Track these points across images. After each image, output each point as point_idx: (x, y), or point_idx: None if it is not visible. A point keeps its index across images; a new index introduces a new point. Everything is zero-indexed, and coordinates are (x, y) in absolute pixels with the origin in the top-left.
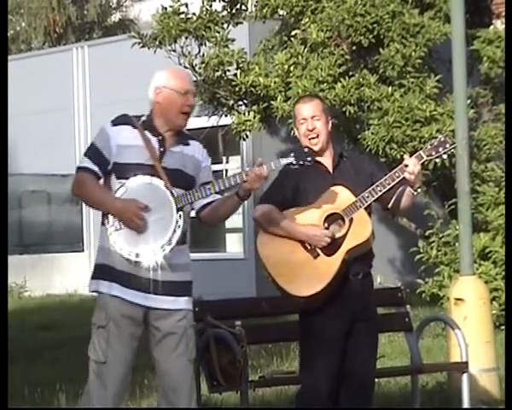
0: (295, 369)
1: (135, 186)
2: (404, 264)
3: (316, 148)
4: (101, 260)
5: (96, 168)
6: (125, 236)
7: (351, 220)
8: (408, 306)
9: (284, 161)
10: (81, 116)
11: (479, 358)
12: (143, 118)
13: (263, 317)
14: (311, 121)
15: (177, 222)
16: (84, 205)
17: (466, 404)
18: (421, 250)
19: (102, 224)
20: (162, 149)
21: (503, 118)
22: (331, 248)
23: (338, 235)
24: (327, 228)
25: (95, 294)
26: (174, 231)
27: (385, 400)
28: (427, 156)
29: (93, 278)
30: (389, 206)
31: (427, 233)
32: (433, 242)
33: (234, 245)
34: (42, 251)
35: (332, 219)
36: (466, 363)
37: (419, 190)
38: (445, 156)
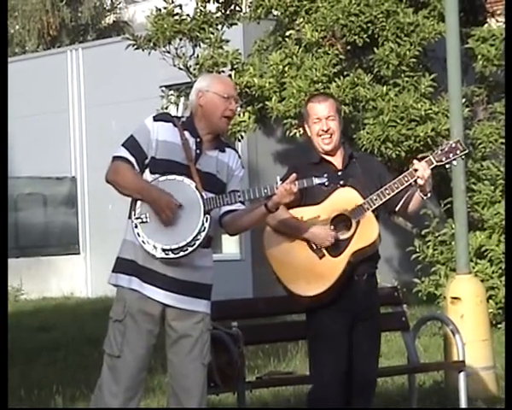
0: (292, 369)
1: (167, 183)
2: (400, 263)
3: (328, 147)
4: (124, 253)
5: (132, 159)
6: (151, 229)
7: (358, 222)
8: (405, 305)
9: (317, 181)
10: (76, 118)
11: (475, 356)
12: (183, 119)
13: (260, 317)
14: (325, 121)
15: (202, 224)
16: (80, 208)
17: (463, 402)
18: (418, 249)
19: (129, 217)
20: (198, 152)
21: (499, 116)
22: (337, 249)
23: (344, 237)
24: (333, 229)
25: (91, 296)
26: (199, 232)
27: (382, 399)
28: (437, 162)
29: (114, 271)
30: (396, 209)
31: (423, 232)
32: (430, 241)
33: (230, 246)
34: (38, 254)
35: (339, 220)
36: (463, 362)
37: (429, 194)
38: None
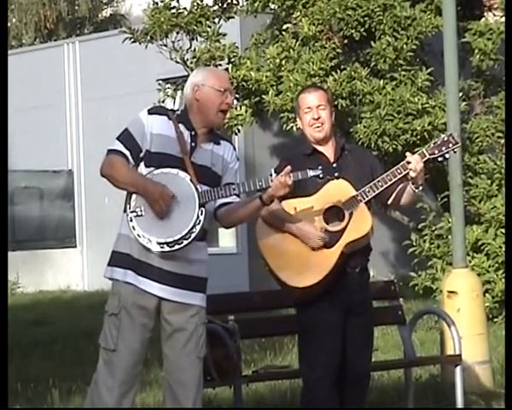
0: (289, 363)
1: (161, 176)
2: (397, 257)
3: (320, 135)
4: (119, 247)
5: (127, 153)
6: (146, 222)
7: (351, 214)
8: (401, 299)
9: (311, 173)
10: (72, 112)
11: (472, 350)
12: (178, 112)
13: (256, 311)
14: (316, 110)
15: (198, 217)
16: (76, 202)
17: (459, 396)
18: (414, 243)
19: (124, 211)
20: (193, 145)
21: (496, 110)
22: (330, 240)
23: (337, 228)
24: (326, 222)
25: (88, 290)
26: (194, 225)
27: (378, 393)
28: (430, 155)
29: (109, 264)
30: (389, 202)
31: (419, 226)
32: (426, 235)
33: (226, 240)
34: (34, 247)
35: (332, 211)
36: (459, 356)
37: (421, 187)
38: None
